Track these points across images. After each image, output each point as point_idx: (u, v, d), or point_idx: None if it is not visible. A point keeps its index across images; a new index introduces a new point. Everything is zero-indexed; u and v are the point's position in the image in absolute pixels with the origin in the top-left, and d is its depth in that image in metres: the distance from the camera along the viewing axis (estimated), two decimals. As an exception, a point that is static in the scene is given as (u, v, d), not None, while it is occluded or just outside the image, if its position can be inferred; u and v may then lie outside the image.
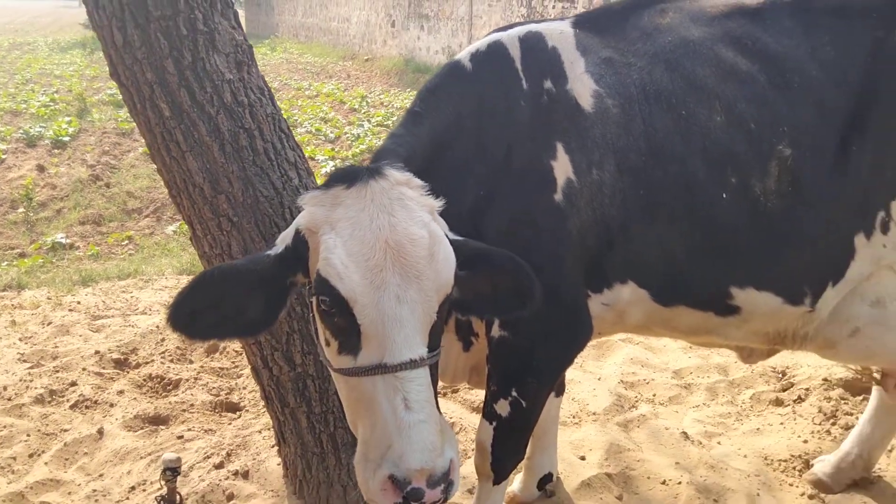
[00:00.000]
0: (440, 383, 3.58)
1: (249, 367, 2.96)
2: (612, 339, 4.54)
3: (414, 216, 1.71)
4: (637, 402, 3.89)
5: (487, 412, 2.36)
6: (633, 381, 4.10)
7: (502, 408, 2.31)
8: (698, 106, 2.15)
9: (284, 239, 1.83)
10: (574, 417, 3.71)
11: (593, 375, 4.17)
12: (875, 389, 3.00)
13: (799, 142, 2.12)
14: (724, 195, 2.13)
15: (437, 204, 1.81)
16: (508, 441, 2.39)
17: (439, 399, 3.72)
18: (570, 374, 4.14)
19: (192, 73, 2.38)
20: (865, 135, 2.11)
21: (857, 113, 2.12)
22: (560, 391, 2.87)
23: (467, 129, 2.18)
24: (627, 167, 2.15)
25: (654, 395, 3.95)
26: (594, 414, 3.73)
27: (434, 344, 1.72)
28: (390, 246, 1.65)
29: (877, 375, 2.97)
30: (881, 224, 2.19)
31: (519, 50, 2.25)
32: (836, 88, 2.13)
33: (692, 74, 2.17)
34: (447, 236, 1.79)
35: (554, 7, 15.21)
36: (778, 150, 2.12)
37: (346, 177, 1.76)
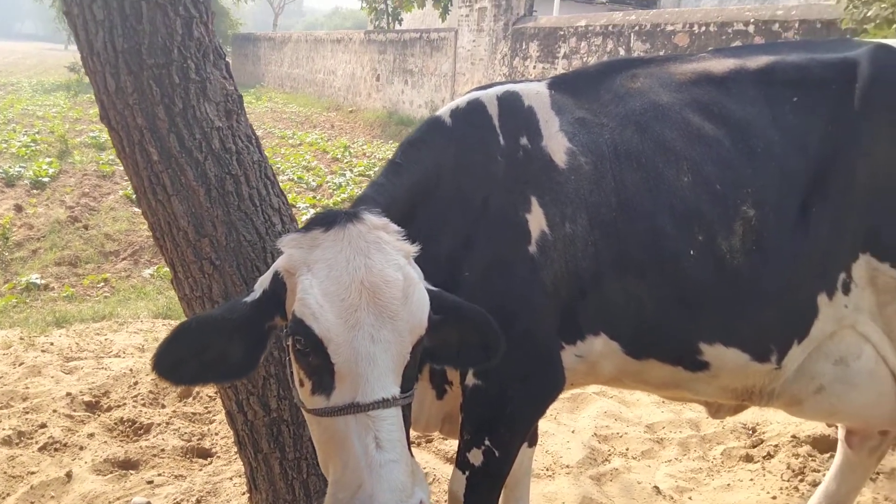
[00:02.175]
0: (413, 433, 3.58)
1: (224, 411, 2.95)
2: (586, 392, 4.58)
3: (389, 259, 1.76)
4: (610, 455, 3.91)
5: (460, 461, 2.37)
6: (606, 434, 4.12)
7: (475, 457, 2.33)
8: (666, 166, 2.25)
9: (262, 283, 1.87)
10: (548, 470, 3.72)
11: (567, 428, 4.19)
12: (840, 446, 3.06)
13: (762, 203, 2.22)
14: (691, 252, 2.21)
15: (413, 249, 1.86)
16: (481, 491, 2.40)
17: (413, 449, 3.73)
18: (545, 426, 4.16)
19: (183, 120, 2.44)
20: (825, 199, 2.21)
21: (817, 178, 2.22)
22: (533, 441, 2.89)
23: (446, 181, 2.26)
24: (599, 221, 2.24)
25: (627, 449, 3.98)
26: (567, 467, 3.74)
27: (407, 385, 1.75)
28: (366, 287, 1.69)
29: (841, 433, 3.04)
30: (842, 285, 2.28)
31: (497, 108, 2.35)
32: (796, 154, 2.25)
33: (661, 136, 2.28)
34: (428, 287, 1.84)
35: (535, 67, 15.63)
36: (742, 211, 2.22)
37: (324, 220, 1.82)
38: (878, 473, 3.58)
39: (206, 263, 2.56)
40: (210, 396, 4.43)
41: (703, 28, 11.90)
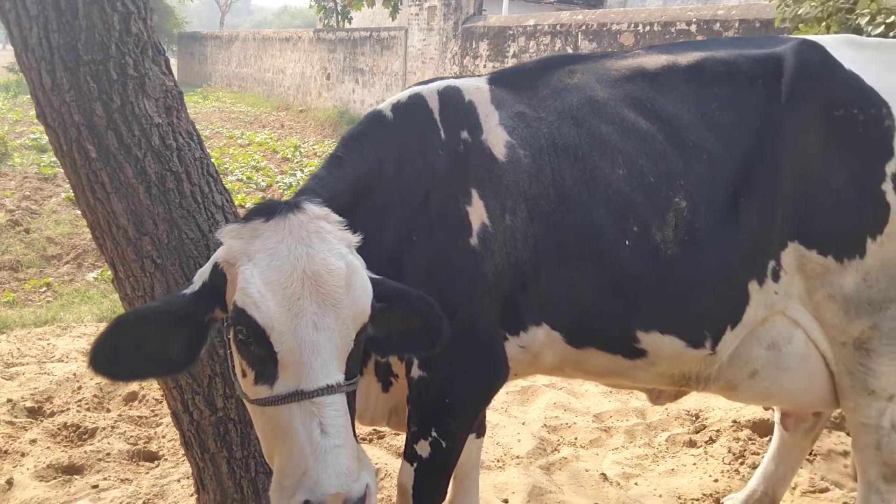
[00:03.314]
0: (364, 428, 3.59)
1: (170, 412, 2.92)
2: (536, 384, 4.65)
3: (332, 248, 1.78)
4: (559, 445, 3.98)
5: (408, 453, 2.40)
6: (555, 424, 4.20)
7: (423, 448, 2.36)
8: (602, 159, 2.31)
9: (202, 275, 1.87)
10: (498, 461, 3.77)
11: (518, 420, 4.25)
12: (776, 429, 3.18)
13: (693, 195, 2.30)
14: (627, 242, 2.28)
15: (355, 239, 1.89)
16: (429, 482, 2.43)
17: (364, 445, 3.72)
18: (495, 418, 4.22)
19: (121, 116, 2.41)
20: (754, 191, 2.30)
21: (746, 170, 2.31)
22: (481, 432, 2.93)
23: (388, 175, 2.29)
24: (538, 213, 2.29)
25: (576, 439, 4.06)
26: (518, 457, 3.80)
27: (351, 372, 1.77)
28: (308, 275, 1.71)
29: (777, 416, 3.16)
30: (772, 272, 2.38)
31: (438, 102, 2.38)
32: (725, 147, 2.33)
33: (597, 131, 2.34)
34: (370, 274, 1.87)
35: (485, 66, 15.74)
36: (675, 202, 2.29)
37: (264, 210, 1.83)
38: (814, 454, 3.73)
39: (147, 262, 2.53)
40: (156, 399, 4.36)
41: (648, 28, 12.15)
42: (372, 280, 1.86)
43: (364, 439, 3.87)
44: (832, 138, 2.33)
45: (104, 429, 4.04)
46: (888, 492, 2.65)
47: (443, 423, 2.33)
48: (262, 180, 11.79)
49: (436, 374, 2.28)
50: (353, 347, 1.77)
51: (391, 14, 22.66)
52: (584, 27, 13.41)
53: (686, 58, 2.45)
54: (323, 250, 1.76)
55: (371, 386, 2.42)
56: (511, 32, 15.16)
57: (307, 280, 1.70)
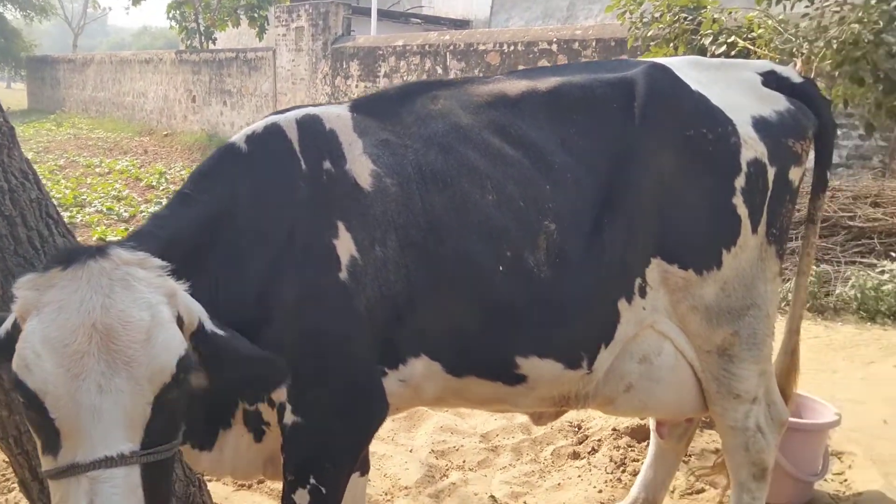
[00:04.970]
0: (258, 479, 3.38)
1: (17, 480, 2.63)
2: (421, 408, 4.59)
3: (138, 298, 1.62)
4: (448, 470, 3.93)
5: (286, 503, 2.27)
6: (443, 449, 4.15)
7: (301, 497, 2.23)
8: (472, 186, 2.29)
9: (5, 328, 1.69)
10: (386, 494, 3.67)
11: (405, 448, 4.17)
12: (652, 436, 3.28)
13: (561, 218, 2.32)
14: (501, 268, 2.26)
15: (177, 287, 1.74)
16: (311, 530, 2.31)
17: (243, 490, 3.52)
18: (382, 448, 4.12)
19: (-62, 159, 2.15)
20: (617, 212, 2.35)
21: (608, 193, 2.36)
22: (365, 470, 2.81)
23: (245, 211, 2.16)
24: (409, 243, 2.23)
25: (464, 462, 4.03)
26: (406, 488, 3.71)
27: (153, 440, 1.60)
28: (98, 329, 1.54)
29: (652, 424, 3.26)
30: (639, 289, 2.44)
31: (297, 132, 2.27)
32: (587, 171, 2.37)
33: (464, 157, 2.32)
34: (204, 325, 1.76)
35: (357, 86, 15.69)
36: (545, 226, 2.30)
37: (63, 257, 1.66)
38: (689, 455, 3.88)
39: (-22, 318, 2.26)
40: (5, 461, 3.94)
41: (513, 47, 12.52)
42: (209, 334, 1.74)
43: (242, 484, 3.66)
44: (685, 157, 2.43)
45: (-57, 503, 3.60)
46: (758, 489, 2.79)
47: (321, 470, 2.22)
48: (125, 210, 11.11)
49: (310, 418, 2.16)
50: (151, 411, 1.59)
51: (258, 35, 22.19)
52: (451, 47, 13.65)
53: (544, 83, 2.49)
54: (124, 301, 1.59)
55: (241, 437, 2.26)
56: (381, 52, 15.20)
57: (96, 335, 1.53)
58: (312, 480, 2.21)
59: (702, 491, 3.60)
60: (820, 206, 2.86)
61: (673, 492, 3.56)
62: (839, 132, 8.98)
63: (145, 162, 17.22)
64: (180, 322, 1.73)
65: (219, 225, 2.12)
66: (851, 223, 7.81)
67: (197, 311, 1.79)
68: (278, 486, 3.67)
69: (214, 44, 24.00)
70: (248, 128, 2.33)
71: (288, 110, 2.37)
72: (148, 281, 1.66)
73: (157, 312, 1.62)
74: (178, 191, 2.18)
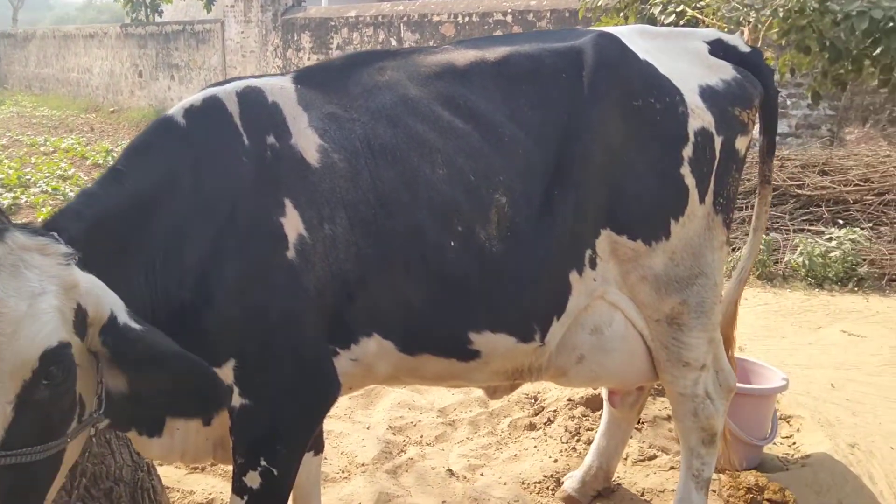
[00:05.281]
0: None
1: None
2: (378, 385, 4.57)
3: (21, 287, 1.53)
4: (405, 445, 3.93)
5: (237, 486, 2.22)
6: (400, 425, 4.14)
7: (252, 480, 2.19)
8: (422, 160, 2.24)
9: None
10: (343, 472, 3.65)
11: (362, 425, 4.15)
12: (605, 405, 3.31)
13: (512, 191, 2.29)
14: (453, 243, 2.23)
15: (81, 276, 1.65)
16: (264, 513, 2.27)
17: (196, 473, 3.46)
18: (339, 426, 4.09)
19: None
20: (567, 184, 2.33)
21: (557, 165, 2.34)
22: (319, 449, 2.80)
23: (184, 189, 2.07)
24: (358, 220, 2.18)
25: (422, 437, 4.03)
26: (363, 465, 3.70)
27: (15, 441, 1.52)
28: None
29: (605, 393, 3.29)
30: (590, 260, 2.43)
31: (237, 105, 2.19)
32: (536, 143, 2.34)
33: (414, 130, 2.26)
34: (127, 324, 1.68)
35: (309, 58, 15.39)
36: (496, 199, 2.27)
37: None
38: (641, 423, 3.94)
39: None
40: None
41: (467, 18, 12.40)
42: (120, 327, 1.65)
43: (195, 468, 3.60)
44: (633, 128, 2.42)
45: None
46: (708, 455, 2.84)
47: (272, 452, 2.17)
48: (71, 190, 10.76)
49: (259, 400, 2.12)
50: (16, 411, 1.51)
51: (206, 6, 21.52)
52: (405, 18, 13.45)
53: (493, 53, 2.44)
54: (5, 289, 1.50)
55: (189, 422, 2.20)
56: (333, 24, 14.91)
57: None
58: (263, 462, 2.17)
59: (654, 457, 3.66)
60: (771, 168, 2.89)
61: (626, 459, 3.62)
62: (788, 102, 9.14)
63: (91, 140, 16.69)
64: (82, 315, 1.65)
65: (155, 204, 2.04)
66: (800, 192, 7.98)
67: (108, 303, 1.69)
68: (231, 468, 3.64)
69: (161, 16, 23.25)
70: (186, 100, 2.23)
71: (227, 82, 2.28)
72: (43, 269, 1.57)
73: (36, 303, 1.52)
74: (111, 167, 2.08)
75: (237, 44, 17.32)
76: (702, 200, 2.53)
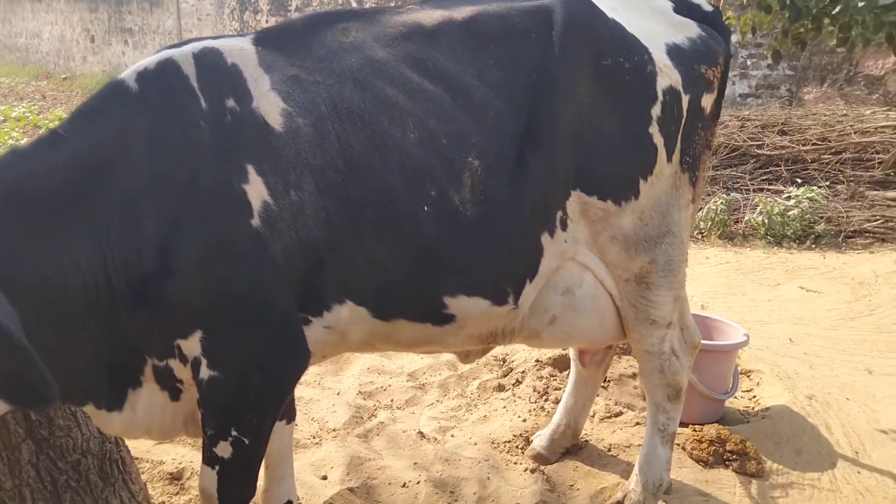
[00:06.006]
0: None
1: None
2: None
3: None
4: (376, 410, 3.95)
5: (208, 457, 2.20)
6: (370, 390, 4.15)
7: (223, 450, 2.17)
8: (391, 124, 2.20)
9: None
10: (314, 438, 3.66)
11: (332, 391, 4.15)
12: (573, 364, 3.36)
13: (484, 154, 2.26)
14: (426, 207, 2.20)
15: None
16: (235, 482, 2.26)
17: (166, 444, 3.43)
18: (309, 393, 4.09)
19: None
20: (538, 145, 2.31)
21: (528, 126, 2.31)
22: (291, 417, 2.78)
23: (136, 156, 1.99)
24: (327, 185, 2.13)
25: (392, 401, 4.05)
26: (334, 430, 3.71)
27: None
28: None
29: (573, 353, 3.33)
30: (560, 222, 2.43)
31: (194, 67, 2.11)
32: (507, 104, 2.31)
33: (382, 93, 2.21)
34: None
35: (267, 21, 15.03)
36: (468, 162, 2.24)
37: None
38: (608, 381, 4.01)
39: None
40: None
41: (428, -22, 12.15)
42: None
43: (167, 440, 3.57)
44: (602, 87, 2.41)
45: None
46: (673, 410, 2.91)
47: (242, 421, 2.15)
48: (23, 160, 10.44)
49: (228, 371, 2.08)
50: None
51: (158, -33, 20.81)
52: (365, -21, 13.17)
53: (460, 13, 2.39)
54: None
55: (155, 395, 2.16)
56: (291, -15, 14.54)
57: None
58: (234, 432, 2.16)
59: (620, 414, 3.74)
60: (714, 133, 2.88)
61: (593, 416, 3.69)
62: (748, 63, 9.21)
63: (44, 108, 16.11)
64: None
65: (103, 170, 1.96)
66: (760, 151, 8.10)
67: None
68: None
69: (111, -22, 22.41)
70: (139, 63, 2.14)
71: (184, 44, 2.18)
72: None
73: None
74: (52, 129, 1.99)
75: (192, 6, 16.81)
76: (669, 159, 2.54)
